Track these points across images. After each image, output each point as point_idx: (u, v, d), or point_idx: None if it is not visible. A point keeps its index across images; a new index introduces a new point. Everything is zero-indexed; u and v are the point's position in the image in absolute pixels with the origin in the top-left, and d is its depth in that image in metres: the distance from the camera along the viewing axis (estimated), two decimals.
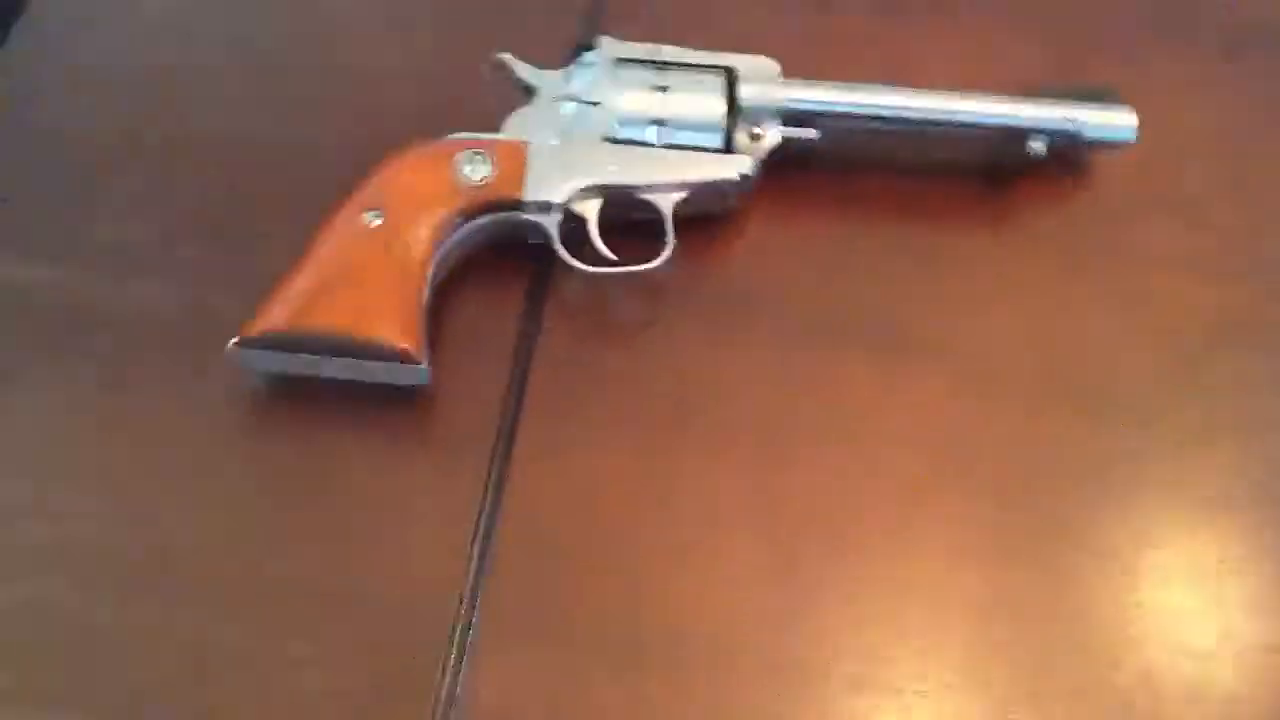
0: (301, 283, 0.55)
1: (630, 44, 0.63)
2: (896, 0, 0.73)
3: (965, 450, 0.60)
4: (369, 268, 0.56)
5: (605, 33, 0.64)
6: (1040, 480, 0.59)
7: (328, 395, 0.58)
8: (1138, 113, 0.63)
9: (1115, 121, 0.63)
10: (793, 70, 0.63)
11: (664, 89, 0.61)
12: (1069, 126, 0.62)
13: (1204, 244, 0.66)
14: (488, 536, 0.56)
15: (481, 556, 0.55)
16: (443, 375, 0.59)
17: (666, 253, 0.59)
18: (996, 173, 0.66)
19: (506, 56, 0.63)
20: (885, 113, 0.62)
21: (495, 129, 0.61)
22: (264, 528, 0.56)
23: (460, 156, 0.59)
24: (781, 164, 0.63)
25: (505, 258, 0.62)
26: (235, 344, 0.55)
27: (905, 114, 0.62)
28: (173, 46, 0.70)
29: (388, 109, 0.66)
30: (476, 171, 0.58)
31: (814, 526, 0.57)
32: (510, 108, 0.62)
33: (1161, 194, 0.67)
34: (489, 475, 0.57)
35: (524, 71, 0.63)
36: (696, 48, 0.63)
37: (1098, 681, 0.54)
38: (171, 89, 0.68)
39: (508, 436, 0.58)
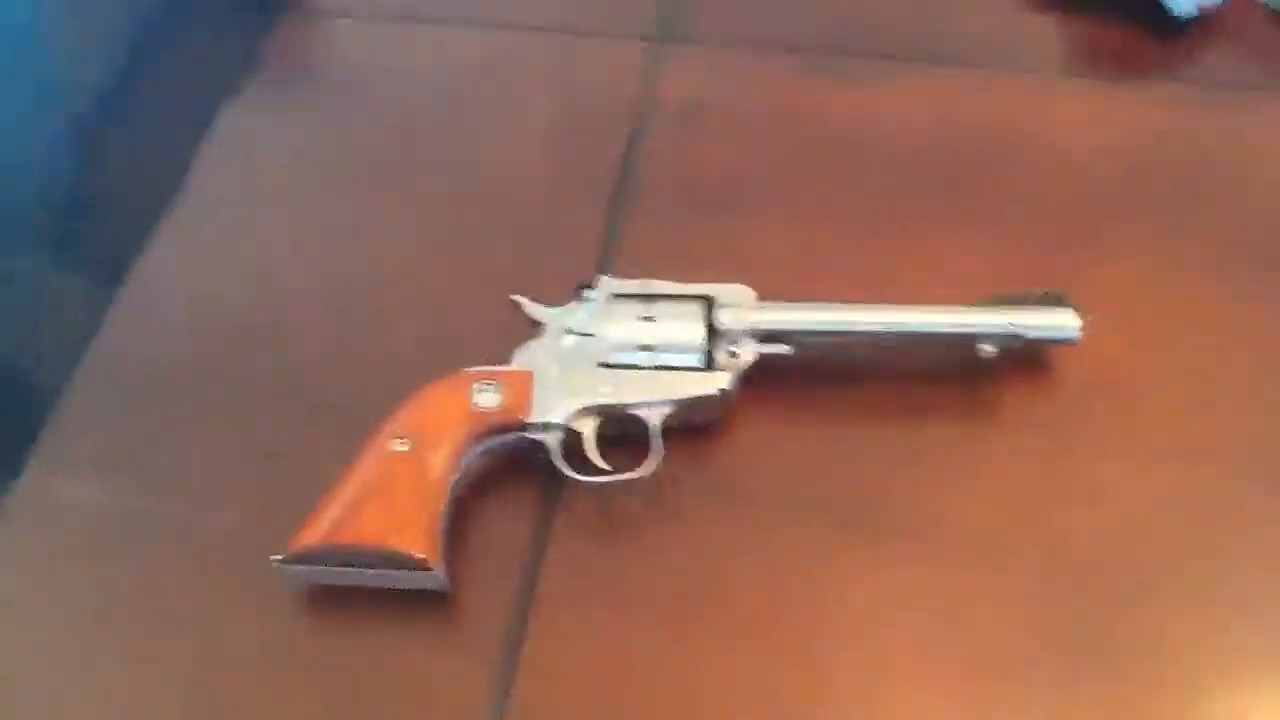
0: (336, 504, 0.64)
1: (625, 280, 0.73)
2: (868, 224, 0.83)
3: (954, 628, 0.65)
4: (395, 488, 0.65)
5: (604, 273, 0.74)
6: (1020, 658, 0.64)
7: (364, 602, 0.66)
8: (1093, 305, 0.71)
9: (1057, 323, 0.70)
10: (770, 289, 0.72)
11: (651, 319, 0.70)
12: (1013, 331, 0.70)
13: (1157, 429, 0.71)
14: None
15: None
16: (464, 580, 0.66)
17: (653, 461, 0.67)
18: (964, 372, 0.73)
19: (519, 297, 0.73)
20: (848, 328, 0.71)
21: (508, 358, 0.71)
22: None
23: (474, 387, 0.68)
24: (761, 374, 0.71)
25: (519, 471, 0.70)
26: (278, 560, 0.64)
27: (865, 329, 0.71)
28: (249, 311, 0.82)
29: (419, 344, 0.77)
30: (488, 400, 0.68)
31: (815, 707, 0.63)
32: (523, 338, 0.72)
33: (1117, 383, 0.73)
34: (501, 673, 0.64)
35: (531, 309, 0.73)
36: (682, 281, 0.73)
37: None
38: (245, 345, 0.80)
39: (517, 636, 0.65)
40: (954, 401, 0.73)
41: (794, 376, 0.73)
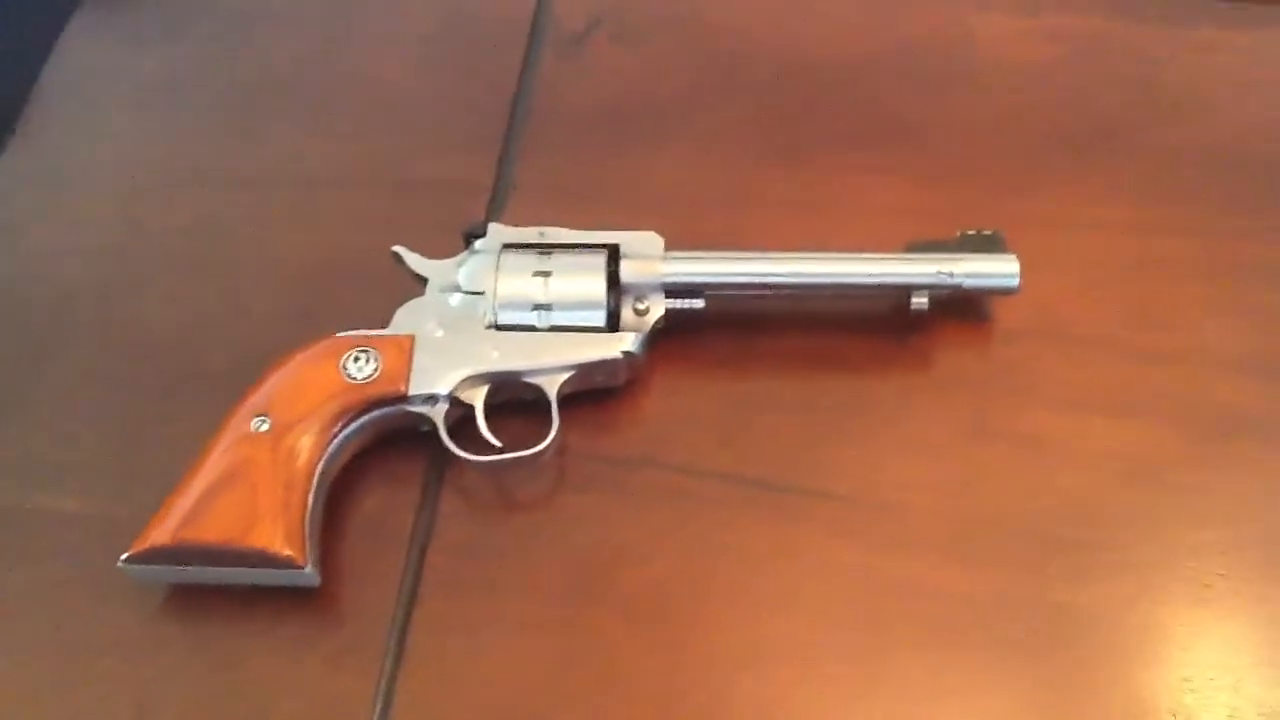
0: (187, 495, 0.56)
1: (518, 229, 0.65)
2: (784, 153, 0.75)
3: (882, 600, 0.59)
4: (254, 475, 0.57)
5: (495, 219, 0.66)
6: (945, 626, 0.59)
7: (226, 598, 0.58)
8: (1035, 257, 0.64)
9: (995, 270, 0.64)
10: (680, 231, 0.65)
11: (547, 274, 0.62)
12: (947, 280, 0.63)
13: (1102, 381, 0.66)
14: None
15: None
16: (341, 569, 0.60)
17: (550, 437, 0.60)
18: (898, 320, 0.66)
19: (400, 249, 0.65)
20: (766, 280, 0.64)
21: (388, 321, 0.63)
22: None
23: (346, 356, 0.60)
24: (671, 329, 0.64)
25: (401, 444, 0.63)
26: (124, 560, 0.56)
27: (786, 280, 0.64)
28: (86, 263, 0.72)
29: (289, 302, 0.69)
30: (362, 369, 0.60)
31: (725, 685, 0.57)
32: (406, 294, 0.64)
33: (1059, 332, 0.67)
34: (385, 672, 0.57)
35: (414, 263, 0.65)
36: (583, 228, 0.65)
37: None
38: (82, 302, 0.70)
39: (400, 631, 0.58)
40: (880, 353, 0.67)
41: (705, 329, 0.66)
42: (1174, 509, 0.62)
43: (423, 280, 0.64)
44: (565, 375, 0.61)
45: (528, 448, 0.61)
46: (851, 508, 0.62)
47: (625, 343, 0.62)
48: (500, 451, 0.60)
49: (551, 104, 0.77)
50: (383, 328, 0.63)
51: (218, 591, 0.58)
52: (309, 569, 0.56)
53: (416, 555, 0.60)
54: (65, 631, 0.59)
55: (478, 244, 0.64)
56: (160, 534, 0.56)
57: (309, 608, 0.58)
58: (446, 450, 0.60)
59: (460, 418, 0.62)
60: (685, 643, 0.58)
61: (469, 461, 0.60)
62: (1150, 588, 0.59)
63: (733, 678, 0.57)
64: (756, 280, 0.64)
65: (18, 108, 0.78)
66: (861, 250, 0.65)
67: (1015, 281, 0.64)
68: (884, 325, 0.67)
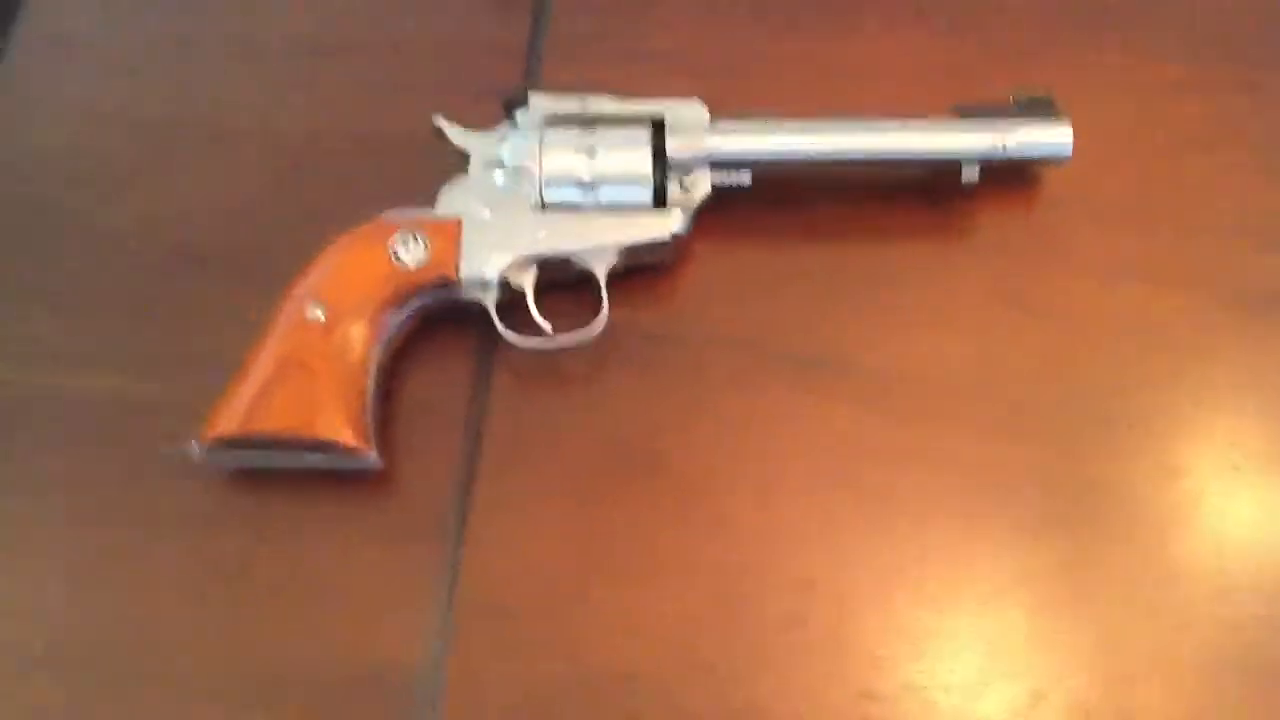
0: (249, 383, 0.57)
1: (559, 98, 0.63)
2: (830, 15, 0.72)
3: (908, 473, 0.61)
4: (313, 364, 0.58)
5: (535, 88, 0.64)
6: (970, 498, 0.61)
7: (287, 480, 0.60)
8: (1081, 120, 0.63)
9: (1048, 139, 0.63)
10: (722, 97, 0.64)
11: (592, 150, 0.61)
12: (999, 153, 0.62)
13: (1146, 253, 0.66)
14: (448, 610, 0.59)
15: (443, 632, 0.58)
16: (398, 451, 0.61)
17: (600, 321, 0.61)
18: (939, 188, 0.66)
19: (441, 121, 0.63)
20: (813, 152, 0.63)
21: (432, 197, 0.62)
22: (230, 613, 0.59)
23: (394, 240, 0.60)
24: (716, 202, 0.64)
25: (450, 326, 0.63)
26: (195, 447, 0.58)
27: (835, 153, 0.63)
28: (91, 137, 0.71)
29: (328, 175, 0.68)
30: (412, 255, 0.60)
31: (765, 561, 0.60)
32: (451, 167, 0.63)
33: (1107, 202, 0.67)
34: (448, 549, 0.60)
35: (457, 136, 0.63)
36: (625, 96, 0.64)
37: None
38: (94, 168, 0.69)
39: (461, 507, 0.61)
40: (924, 224, 0.66)
41: (747, 198, 0.65)
42: (1205, 381, 0.63)
43: (465, 155, 0.63)
44: (613, 258, 0.61)
45: (576, 327, 0.61)
46: (880, 381, 0.63)
47: (673, 223, 0.61)
48: (550, 335, 0.61)
49: None
50: (424, 200, 0.62)
51: (277, 473, 0.60)
52: (373, 455, 0.58)
53: (472, 434, 0.62)
54: (105, 511, 0.61)
55: (519, 116, 0.63)
56: (227, 424, 0.57)
57: (371, 488, 0.61)
58: (497, 331, 0.61)
59: (509, 298, 0.62)
60: (721, 515, 0.61)
61: (520, 344, 0.61)
62: (1181, 462, 0.61)
63: (774, 553, 0.60)
64: (803, 153, 0.63)
65: None
66: (908, 116, 0.63)
67: (1069, 149, 0.63)
68: (927, 191, 0.66)
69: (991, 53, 0.70)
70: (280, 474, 0.60)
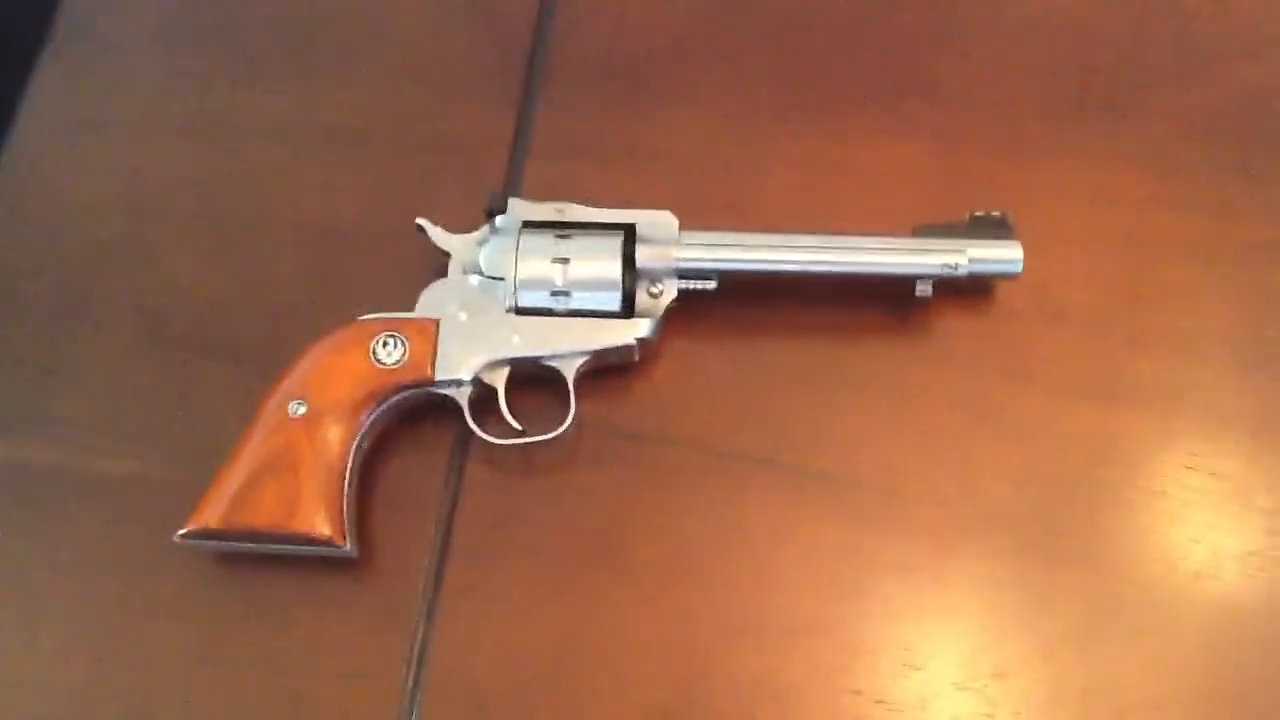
0: (233, 479, 0.61)
1: (537, 205, 0.67)
2: (796, 110, 0.76)
3: (870, 578, 0.64)
4: (294, 460, 0.61)
5: (515, 194, 0.68)
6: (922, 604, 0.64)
7: (272, 564, 0.64)
8: (1040, 232, 0.67)
9: (1000, 257, 0.66)
10: (693, 195, 0.69)
11: (565, 260, 0.64)
12: (950, 271, 0.65)
13: (1100, 367, 0.69)
14: (415, 693, 0.62)
15: (411, 711, 0.62)
16: (373, 537, 0.65)
17: (568, 421, 0.64)
18: (898, 297, 0.68)
19: (423, 221, 0.67)
20: (775, 266, 0.66)
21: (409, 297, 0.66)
22: (210, 687, 0.62)
23: (375, 341, 0.63)
24: (683, 305, 0.67)
25: (426, 418, 0.67)
26: (180, 536, 0.61)
27: (795, 266, 0.66)
28: (119, 219, 0.74)
29: (312, 265, 0.72)
30: (390, 355, 0.63)
31: (718, 652, 0.63)
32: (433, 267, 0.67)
33: (1056, 312, 0.70)
34: (417, 634, 0.63)
35: (438, 237, 0.67)
36: (599, 205, 0.67)
37: None
38: (117, 261, 0.73)
39: (432, 594, 0.64)
40: (884, 330, 0.70)
41: (714, 301, 0.68)
42: (1152, 507, 0.66)
43: (444, 254, 0.67)
44: (582, 360, 0.65)
45: (547, 424, 0.65)
46: (844, 488, 0.66)
47: (640, 329, 0.65)
48: (521, 434, 0.64)
49: (565, 59, 0.77)
50: (402, 292, 0.66)
51: (263, 558, 0.64)
52: (348, 546, 0.61)
53: (444, 525, 0.65)
54: (121, 591, 0.65)
55: (498, 221, 0.66)
56: (211, 516, 0.60)
57: (348, 575, 0.64)
58: (470, 428, 0.65)
59: (482, 394, 0.65)
60: (689, 612, 0.64)
61: (492, 443, 0.64)
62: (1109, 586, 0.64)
63: (732, 646, 0.63)
64: (767, 267, 0.66)
65: (40, 38, 0.78)
66: (868, 231, 0.67)
67: (1019, 268, 0.66)
68: (886, 303, 0.70)
69: (958, 161, 0.74)
70: (265, 557, 0.63)
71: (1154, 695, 0.61)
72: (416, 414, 0.67)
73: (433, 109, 0.76)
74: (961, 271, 0.65)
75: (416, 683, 0.62)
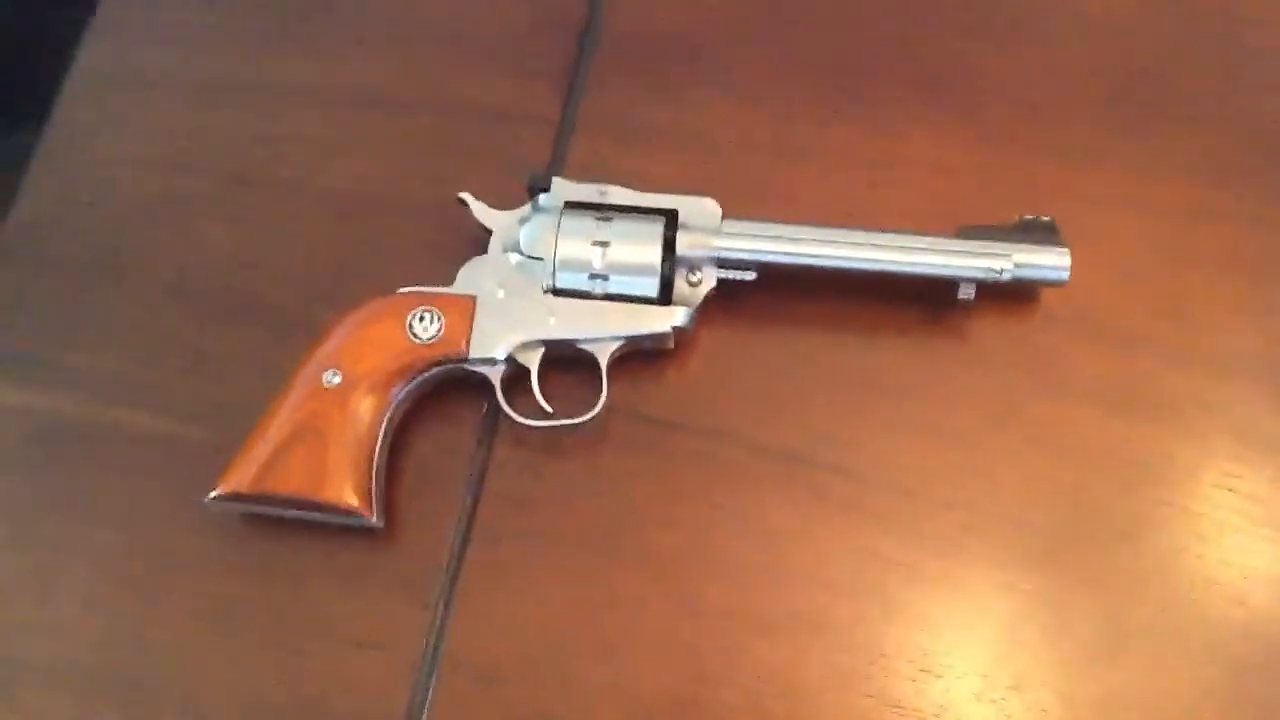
0: (264, 443, 0.61)
1: (580, 185, 0.67)
2: (837, 104, 0.75)
3: (886, 580, 0.64)
4: (326, 429, 0.61)
5: (558, 174, 0.68)
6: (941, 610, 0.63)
7: (295, 528, 0.64)
8: (1085, 240, 0.65)
9: (1046, 263, 0.65)
10: (731, 183, 0.68)
11: (605, 243, 0.64)
12: (995, 275, 0.64)
13: (1130, 379, 0.68)
14: (432, 665, 0.62)
15: (423, 689, 0.62)
16: (399, 509, 0.65)
17: (599, 406, 0.64)
18: (938, 299, 0.68)
19: (466, 196, 0.67)
20: (816, 260, 0.65)
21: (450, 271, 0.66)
22: (228, 647, 0.63)
23: (412, 315, 0.63)
24: (720, 294, 0.66)
25: (458, 393, 0.67)
26: (210, 499, 0.61)
27: (836, 262, 0.65)
28: (157, 178, 0.75)
29: (349, 235, 0.72)
30: (426, 330, 0.63)
31: (730, 644, 0.63)
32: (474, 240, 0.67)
33: (1097, 323, 0.69)
34: (437, 608, 0.63)
35: (479, 212, 0.67)
36: (642, 189, 0.67)
37: None
38: (151, 220, 0.73)
39: (454, 569, 0.64)
40: (920, 329, 0.69)
41: (752, 291, 0.67)
42: (1182, 526, 0.65)
43: (483, 230, 0.66)
44: (616, 345, 0.64)
45: (577, 406, 0.65)
46: (868, 489, 0.66)
47: (677, 318, 0.64)
48: (551, 417, 0.64)
49: (617, 37, 0.76)
50: (441, 268, 0.66)
51: (288, 523, 0.64)
52: (374, 517, 0.62)
53: (469, 501, 0.66)
54: (143, 546, 0.65)
55: (541, 199, 0.66)
56: (241, 481, 0.61)
57: (372, 545, 0.64)
58: (500, 406, 0.65)
59: (514, 374, 0.65)
60: (703, 602, 0.64)
61: (521, 424, 0.64)
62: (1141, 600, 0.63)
63: (744, 640, 0.63)
64: (807, 261, 0.65)
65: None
66: (912, 232, 0.66)
67: (1065, 275, 0.65)
68: (925, 303, 0.69)
69: (1004, 160, 0.73)
70: (289, 521, 0.64)
71: (1174, 718, 0.61)
72: (446, 389, 0.67)
73: (479, 81, 0.75)
74: (1006, 276, 0.64)
75: (435, 656, 0.63)
